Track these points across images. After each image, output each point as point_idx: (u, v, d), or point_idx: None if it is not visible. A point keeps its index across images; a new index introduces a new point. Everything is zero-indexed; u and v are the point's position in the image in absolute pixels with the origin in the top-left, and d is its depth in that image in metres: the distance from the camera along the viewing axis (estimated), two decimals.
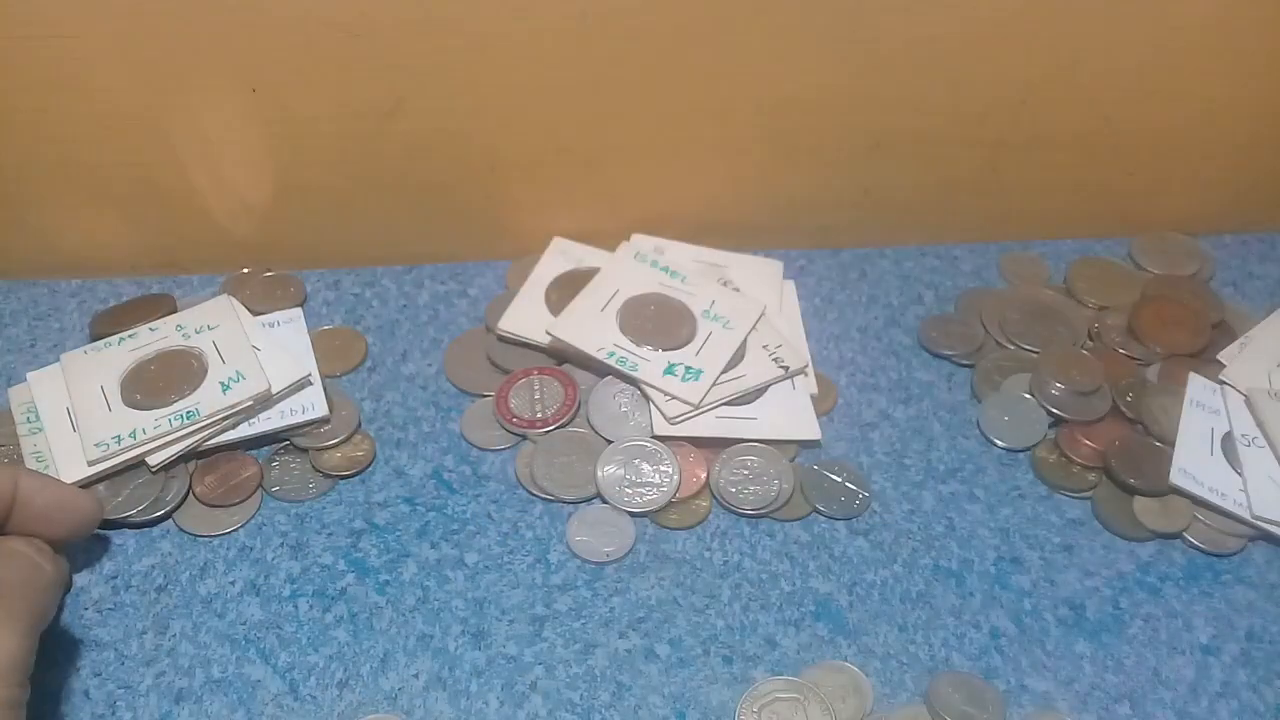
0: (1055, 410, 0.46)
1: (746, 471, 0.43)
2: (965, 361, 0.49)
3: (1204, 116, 0.51)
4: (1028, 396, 0.46)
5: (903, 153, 0.52)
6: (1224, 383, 0.46)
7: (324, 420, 0.44)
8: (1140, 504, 0.43)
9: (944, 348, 0.49)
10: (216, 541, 0.41)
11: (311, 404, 0.44)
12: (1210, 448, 0.44)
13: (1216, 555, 0.42)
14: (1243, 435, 0.44)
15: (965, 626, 0.39)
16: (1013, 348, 0.49)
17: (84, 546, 0.40)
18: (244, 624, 0.39)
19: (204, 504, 0.42)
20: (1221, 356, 0.48)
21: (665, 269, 0.50)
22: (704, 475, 0.43)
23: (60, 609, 0.39)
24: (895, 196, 0.54)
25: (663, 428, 0.44)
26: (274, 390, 0.44)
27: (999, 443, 0.45)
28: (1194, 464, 0.43)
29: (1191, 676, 0.38)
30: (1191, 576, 0.41)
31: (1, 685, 0.31)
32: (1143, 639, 0.39)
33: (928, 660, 0.38)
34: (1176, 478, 0.43)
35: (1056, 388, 0.46)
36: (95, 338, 0.47)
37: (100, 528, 0.41)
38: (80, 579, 0.40)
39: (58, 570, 0.35)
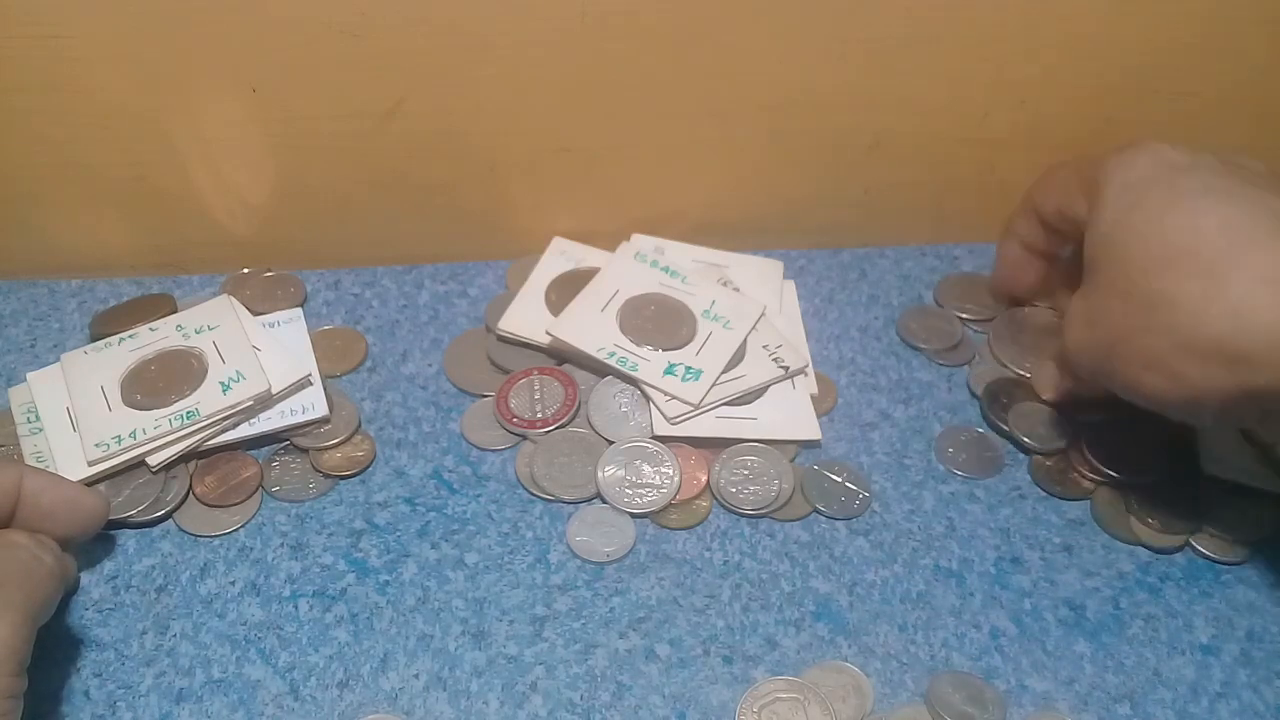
0: (1054, 411, 0.46)
1: (746, 471, 0.43)
2: (965, 362, 0.49)
3: (1204, 116, 0.51)
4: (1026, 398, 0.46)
5: (903, 153, 0.52)
6: None
7: (324, 420, 0.44)
8: (1136, 519, 0.42)
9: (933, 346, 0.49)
10: (216, 541, 0.41)
11: (311, 404, 0.44)
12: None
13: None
14: None
15: (965, 626, 0.39)
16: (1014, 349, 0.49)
17: (84, 547, 0.40)
18: (244, 624, 0.39)
19: (204, 504, 0.42)
20: None
21: (665, 269, 0.50)
22: (704, 479, 0.43)
23: (64, 607, 0.39)
24: (895, 196, 0.54)
25: (663, 428, 0.44)
26: (274, 390, 0.44)
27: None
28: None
29: (1191, 676, 0.38)
30: (1192, 576, 0.41)
31: None
32: (1143, 639, 0.39)
33: (928, 660, 0.38)
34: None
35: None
36: (95, 338, 0.47)
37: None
38: (80, 579, 0.40)
39: (59, 564, 0.35)
